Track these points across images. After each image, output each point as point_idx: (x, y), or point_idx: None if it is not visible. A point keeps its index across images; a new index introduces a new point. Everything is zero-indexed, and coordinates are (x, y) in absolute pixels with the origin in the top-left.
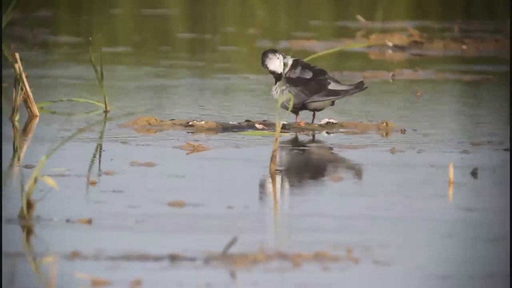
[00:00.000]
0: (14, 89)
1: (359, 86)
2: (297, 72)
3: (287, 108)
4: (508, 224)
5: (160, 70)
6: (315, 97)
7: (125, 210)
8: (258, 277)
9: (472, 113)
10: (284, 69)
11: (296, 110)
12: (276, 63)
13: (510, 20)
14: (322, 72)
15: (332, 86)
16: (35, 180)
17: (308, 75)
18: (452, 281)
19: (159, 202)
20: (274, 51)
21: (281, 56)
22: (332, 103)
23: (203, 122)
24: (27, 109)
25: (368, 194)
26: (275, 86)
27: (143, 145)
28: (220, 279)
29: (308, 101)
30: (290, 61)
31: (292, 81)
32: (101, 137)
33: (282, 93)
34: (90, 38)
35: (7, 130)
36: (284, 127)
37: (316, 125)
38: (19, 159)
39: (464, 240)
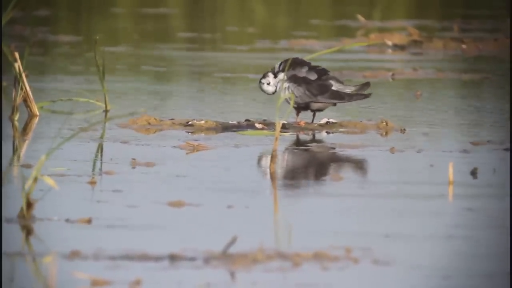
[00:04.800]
0: (14, 89)
1: (364, 89)
2: (303, 72)
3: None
4: (508, 224)
5: (160, 69)
6: (319, 98)
7: (125, 210)
8: (258, 277)
9: (472, 112)
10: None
11: (299, 108)
12: (268, 88)
13: (509, 19)
14: (325, 72)
15: (335, 87)
16: (35, 179)
17: (313, 76)
18: (452, 281)
19: (159, 202)
20: (264, 76)
21: (270, 78)
22: (334, 104)
23: (202, 122)
24: (27, 108)
25: (368, 193)
26: (275, 80)
27: (143, 145)
28: (220, 279)
29: (311, 101)
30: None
31: (297, 80)
32: (101, 137)
33: (284, 91)
34: (97, 37)
35: (7, 129)
36: (284, 127)
37: (316, 125)
38: (19, 158)
39: (464, 240)
